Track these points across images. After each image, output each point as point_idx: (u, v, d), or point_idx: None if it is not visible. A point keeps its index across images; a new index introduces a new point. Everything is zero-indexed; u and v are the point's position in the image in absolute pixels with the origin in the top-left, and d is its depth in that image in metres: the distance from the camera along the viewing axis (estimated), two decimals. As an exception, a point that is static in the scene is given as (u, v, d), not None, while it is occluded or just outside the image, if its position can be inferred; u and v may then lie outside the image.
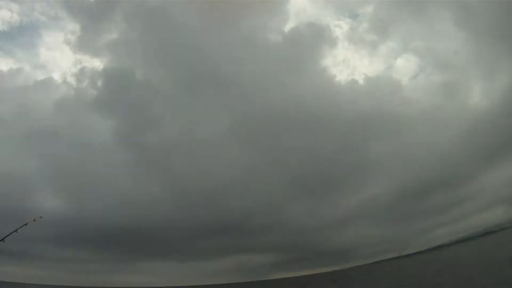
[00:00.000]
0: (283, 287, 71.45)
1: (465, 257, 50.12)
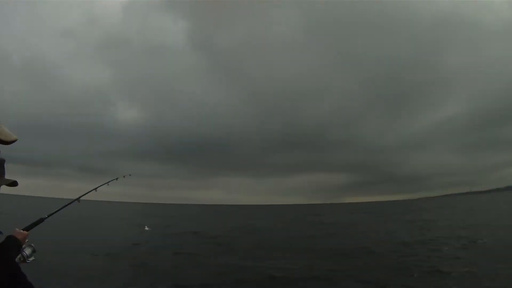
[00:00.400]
0: (357, 212, 72.55)
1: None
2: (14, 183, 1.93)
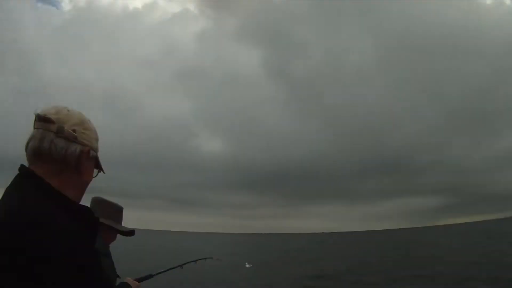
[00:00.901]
0: (454, 234, 66.16)
1: None
2: (130, 233, 2.08)
